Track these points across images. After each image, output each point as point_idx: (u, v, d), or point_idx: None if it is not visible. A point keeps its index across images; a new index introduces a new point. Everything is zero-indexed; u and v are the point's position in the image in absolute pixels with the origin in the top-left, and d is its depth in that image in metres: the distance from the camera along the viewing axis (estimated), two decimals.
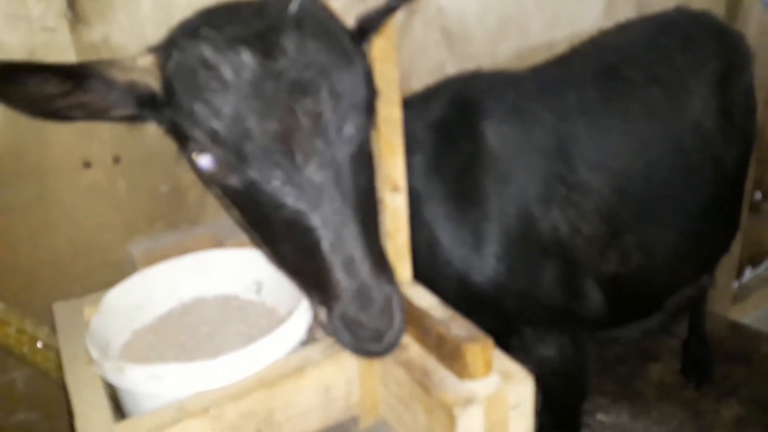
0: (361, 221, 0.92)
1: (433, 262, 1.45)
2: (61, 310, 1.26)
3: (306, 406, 1.06)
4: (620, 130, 1.57)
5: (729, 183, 1.84)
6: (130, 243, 1.50)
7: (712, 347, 2.45)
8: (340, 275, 0.89)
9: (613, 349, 2.51)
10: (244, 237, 1.39)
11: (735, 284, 3.05)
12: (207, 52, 0.89)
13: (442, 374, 1.02)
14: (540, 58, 1.75)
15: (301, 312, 1.11)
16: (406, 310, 0.95)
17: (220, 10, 0.97)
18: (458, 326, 1.04)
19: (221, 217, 1.53)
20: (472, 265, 1.44)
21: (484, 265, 1.44)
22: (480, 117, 1.48)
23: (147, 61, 0.95)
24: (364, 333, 0.90)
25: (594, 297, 1.59)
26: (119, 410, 1.11)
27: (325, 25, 0.96)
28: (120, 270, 1.42)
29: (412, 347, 1.09)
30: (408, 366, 1.05)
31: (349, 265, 0.89)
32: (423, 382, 1.01)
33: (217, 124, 0.88)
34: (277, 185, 0.90)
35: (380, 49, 1.05)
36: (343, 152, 0.92)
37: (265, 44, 0.89)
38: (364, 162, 0.98)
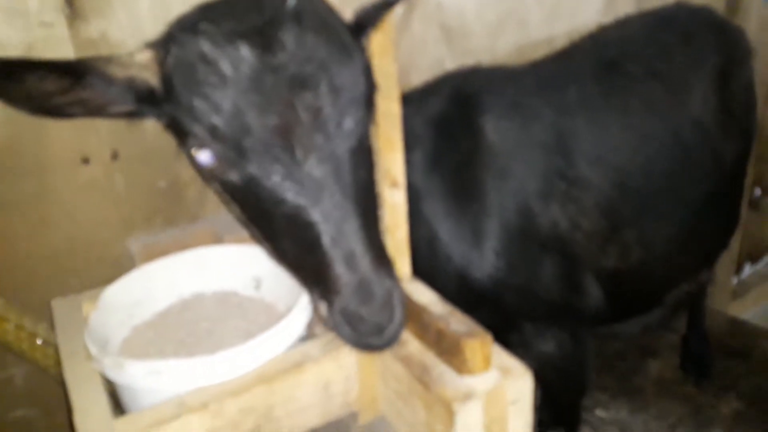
0: (361, 215, 0.92)
1: (432, 258, 1.45)
2: (59, 306, 1.26)
3: (305, 401, 1.06)
4: (620, 125, 1.57)
5: (729, 178, 1.84)
6: (129, 239, 1.49)
7: (711, 343, 2.45)
8: (340, 270, 0.89)
9: (613, 344, 2.51)
10: (243, 233, 1.39)
11: (734, 280, 3.05)
12: (206, 47, 0.88)
13: (441, 370, 1.02)
14: (539, 53, 1.74)
15: (300, 308, 1.11)
16: (406, 305, 0.95)
17: (218, 5, 0.97)
18: (457, 322, 1.04)
19: (220, 213, 1.53)
20: (472, 260, 1.44)
21: (484, 260, 1.44)
22: (479, 112, 1.48)
23: (145, 56, 0.95)
24: (365, 327, 0.90)
25: (593, 292, 1.59)
26: (118, 406, 1.11)
27: (323, 19, 0.96)
28: (119, 266, 1.42)
29: (411, 343, 1.09)
30: (407, 361, 1.05)
31: (350, 260, 0.89)
32: (422, 378, 1.01)
33: (216, 119, 0.88)
34: (277, 180, 0.90)
35: (379, 43, 1.04)
36: (342, 147, 0.92)
37: (263, 38, 0.89)
38: (363, 156, 0.98)
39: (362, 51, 1.00)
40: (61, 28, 1.31)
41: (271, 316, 1.26)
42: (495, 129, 1.46)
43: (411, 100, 1.44)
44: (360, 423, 1.15)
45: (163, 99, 0.93)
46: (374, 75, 1.01)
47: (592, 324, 1.68)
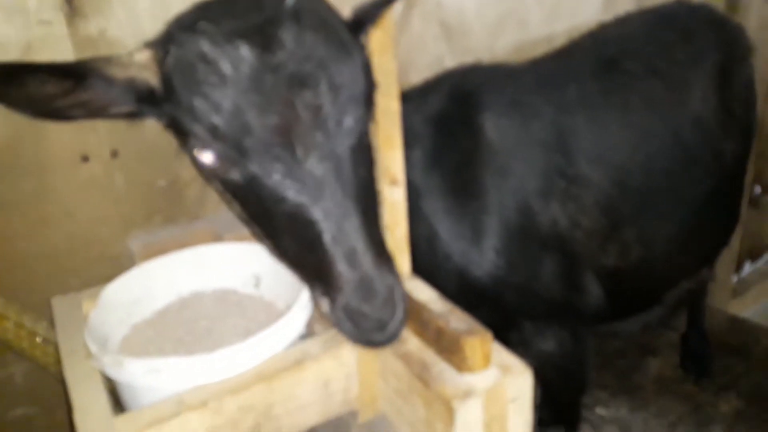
0: (362, 213, 0.92)
1: (432, 256, 1.44)
2: (59, 304, 1.26)
3: (305, 399, 1.06)
4: (620, 123, 1.57)
5: (729, 176, 1.84)
6: (129, 237, 1.49)
7: (711, 341, 2.45)
8: (342, 267, 0.90)
9: (613, 343, 2.51)
10: (242, 231, 1.39)
11: (734, 278, 3.05)
12: (205, 46, 0.88)
13: (440, 367, 1.02)
14: (539, 51, 1.74)
15: (300, 306, 1.11)
16: (407, 300, 0.96)
17: (216, 4, 0.97)
18: (457, 319, 1.04)
19: (220, 212, 1.53)
20: (472, 259, 1.44)
21: (484, 258, 1.44)
22: (479, 110, 1.47)
23: (144, 56, 0.95)
24: (367, 323, 0.91)
25: (593, 290, 1.58)
26: (118, 404, 1.11)
27: (322, 17, 0.96)
28: (118, 264, 1.41)
29: (411, 340, 1.09)
30: (407, 359, 1.05)
31: (352, 257, 0.90)
32: (422, 376, 1.01)
33: (217, 119, 0.88)
34: (278, 179, 0.90)
35: (378, 41, 1.04)
36: (343, 145, 0.92)
37: (263, 37, 0.89)
38: (363, 154, 0.98)
39: (361, 49, 1.00)
40: (60, 27, 1.31)
41: (271, 314, 1.26)
42: (495, 127, 1.46)
43: (410, 97, 1.44)
44: (360, 421, 1.15)
45: (163, 99, 0.93)
46: (374, 73, 1.01)
47: (592, 322, 1.68)
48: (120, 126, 1.33)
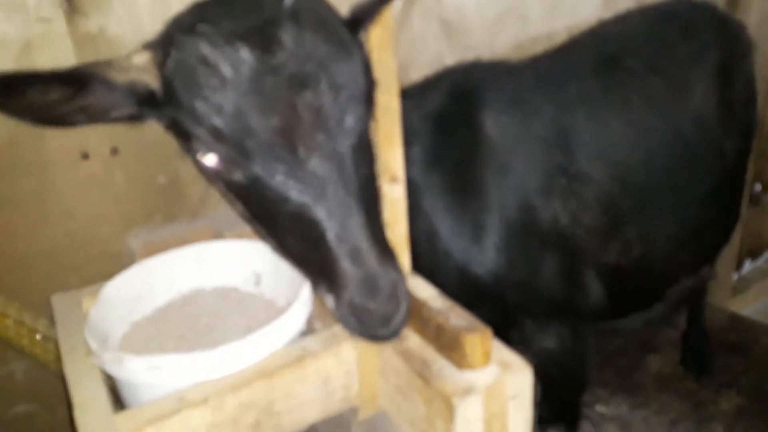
0: (364, 211, 0.93)
1: (433, 254, 1.44)
2: (59, 302, 1.26)
3: (305, 396, 1.06)
4: (620, 120, 1.57)
5: (729, 173, 1.84)
6: (129, 235, 1.49)
7: (711, 339, 2.45)
8: (346, 265, 0.90)
9: (613, 340, 2.51)
10: (242, 229, 1.39)
11: (734, 276, 3.05)
12: (205, 49, 0.88)
13: (441, 364, 1.02)
14: (539, 49, 1.74)
15: (300, 303, 1.11)
16: (410, 293, 0.97)
17: (214, 4, 0.97)
18: (457, 316, 1.04)
19: (220, 209, 1.53)
20: (472, 256, 1.44)
21: (484, 256, 1.44)
22: (479, 107, 1.47)
23: (143, 58, 0.95)
24: (372, 319, 0.92)
25: (594, 288, 1.58)
26: (118, 401, 1.11)
27: (321, 16, 0.96)
28: (118, 262, 1.41)
29: (411, 338, 1.09)
30: (407, 356, 1.05)
31: (356, 255, 0.90)
32: (422, 373, 1.01)
33: (218, 122, 0.88)
34: (280, 179, 0.90)
35: (378, 38, 1.04)
36: (344, 144, 0.93)
37: (263, 39, 0.89)
38: (364, 152, 0.99)
39: (361, 47, 1.00)
40: (60, 24, 1.31)
41: (271, 312, 1.26)
42: (495, 124, 1.46)
43: (411, 95, 1.44)
44: (360, 418, 1.15)
45: (164, 102, 0.93)
46: (373, 71, 1.01)
47: (593, 320, 1.68)
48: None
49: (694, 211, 1.72)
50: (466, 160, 1.46)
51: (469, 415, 0.96)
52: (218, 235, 1.46)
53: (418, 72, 1.71)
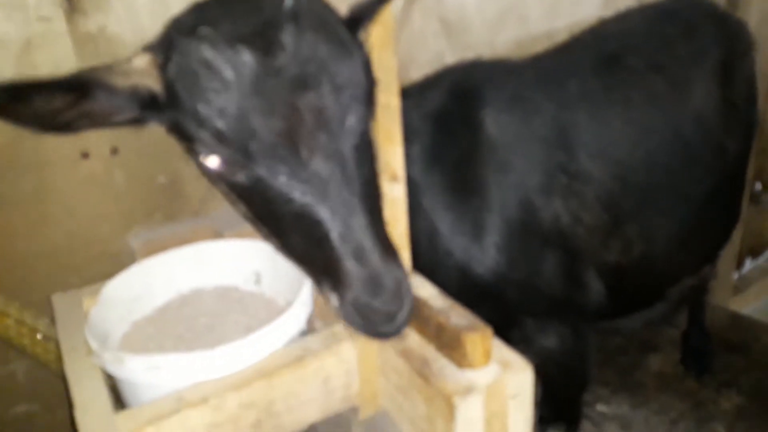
0: (367, 210, 0.93)
1: (433, 253, 1.44)
2: (60, 301, 1.26)
3: (305, 396, 1.06)
4: (621, 119, 1.56)
5: (730, 172, 1.83)
6: (129, 234, 1.49)
7: (712, 338, 2.45)
8: (350, 264, 0.91)
9: (613, 339, 2.51)
10: (242, 228, 1.39)
11: (735, 275, 3.05)
12: (207, 53, 0.88)
13: (441, 363, 1.02)
14: (539, 47, 1.74)
15: (301, 303, 1.11)
16: (413, 291, 0.97)
17: (214, 5, 0.97)
18: (457, 315, 1.03)
19: (220, 209, 1.53)
20: (473, 255, 1.44)
21: (485, 255, 1.44)
22: (479, 106, 1.47)
23: (143, 61, 0.95)
24: (377, 317, 0.93)
25: (595, 287, 1.58)
26: (119, 401, 1.11)
27: (321, 16, 0.96)
28: (119, 261, 1.41)
29: (411, 337, 1.09)
30: (407, 355, 1.05)
31: (359, 254, 0.91)
32: (422, 372, 1.01)
33: (221, 125, 0.89)
34: (283, 180, 0.91)
35: (378, 37, 1.04)
36: (346, 144, 0.93)
37: (264, 41, 0.89)
38: (366, 152, 0.99)
39: (361, 47, 1.00)
40: (60, 23, 1.31)
41: (271, 311, 1.26)
42: (495, 123, 1.46)
43: (411, 94, 1.44)
44: (360, 417, 1.15)
45: (167, 105, 0.93)
46: (374, 70, 1.01)
47: (594, 319, 1.68)
48: None
49: (694, 210, 1.72)
50: (467, 158, 1.46)
51: (470, 414, 0.96)
52: (218, 234, 1.45)
53: (419, 71, 1.71)
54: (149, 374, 0.99)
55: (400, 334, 0.96)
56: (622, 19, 1.81)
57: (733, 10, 2.41)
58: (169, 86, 0.92)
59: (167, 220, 1.54)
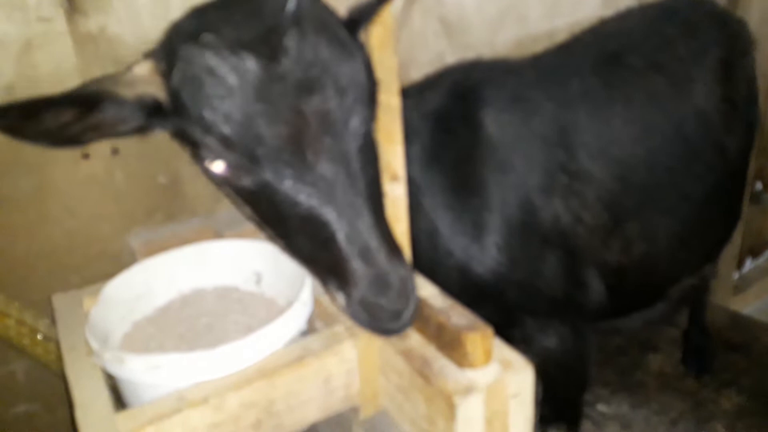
0: (372, 210, 0.95)
1: (433, 253, 1.44)
2: (60, 301, 1.26)
3: (306, 396, 1.06)
4: (622, 118, 1.56)
5: (731, 171, 1.83)
6: (129, 234, 1.49)
7: (712, 338, 2.45)
8: (357, 264, 0.92)
9: (614, 339, 2.51)
10: (243, 228, 1.39)
11: (735, 275, 3.05)
12: (211, 60, 0.89)
13: (442, 363, 1.02)
14: (540, 47, 1.74)
15: (301, 303, 1.11)
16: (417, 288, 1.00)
17: (214, 10, 0.97)
18: (458, 315, 1.04)
19: (220, 209, 1.53)
20: (473, 255, 1.44)
21: (485, 255, 1.44)
22: (479, 106, 1.47)
23: (145, 69, 0.95)
24: (383, 314, 0.95)
25: (596, 287, 1.58)
26: (119, 401, 1.11)
27: (322, 20, 0.96)
28: (119, 261, 1.41)
29: (412, 336, 1.09)
30: (408, 355, 1.05)
31: (366, 254, 0.92)
32: (423, 371, 1.01)
33: (227, 131, 0.89)
34: (289, 184, 0.92)
35: (378, 37, 1.04)
36: (351, 146, 0.94)
37: (268, 47, 0.89)
38: (369, 152, 1.00)
39: (362, 48, 1.00)
40: (60, 23, 1.31)
41: (272, 311, 1.26)
42: (495, 122, 1.46)
43: (410, 94, 1.43)
44: (361, 417, 1.15)
45: (172, 112, 0.94)
46: (374, 70, 1.01)
47: (595, 319, 1.68)
48: None
49: (695, 210, 1.71)
50: (467, 158, 1.46)
51: (470, 414, 0.95)
52: (218, 234, 1.45)
53: (419, 71, 1.71)
54: (150, 374, 0.99)
55: (405, 330, 0.99)
56: (623, 18, 1.81)
57: (733, 9, 2.41)
58: (173, 94, 0.93)
59: (167, 220, 1.54)
